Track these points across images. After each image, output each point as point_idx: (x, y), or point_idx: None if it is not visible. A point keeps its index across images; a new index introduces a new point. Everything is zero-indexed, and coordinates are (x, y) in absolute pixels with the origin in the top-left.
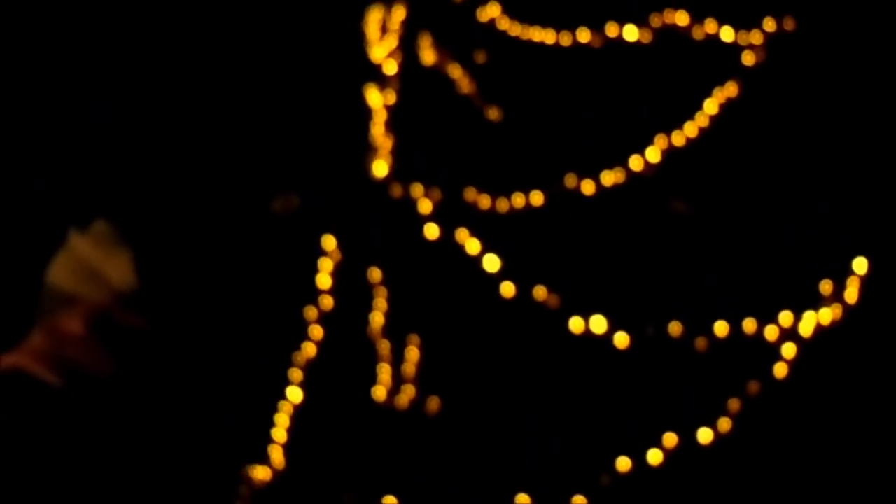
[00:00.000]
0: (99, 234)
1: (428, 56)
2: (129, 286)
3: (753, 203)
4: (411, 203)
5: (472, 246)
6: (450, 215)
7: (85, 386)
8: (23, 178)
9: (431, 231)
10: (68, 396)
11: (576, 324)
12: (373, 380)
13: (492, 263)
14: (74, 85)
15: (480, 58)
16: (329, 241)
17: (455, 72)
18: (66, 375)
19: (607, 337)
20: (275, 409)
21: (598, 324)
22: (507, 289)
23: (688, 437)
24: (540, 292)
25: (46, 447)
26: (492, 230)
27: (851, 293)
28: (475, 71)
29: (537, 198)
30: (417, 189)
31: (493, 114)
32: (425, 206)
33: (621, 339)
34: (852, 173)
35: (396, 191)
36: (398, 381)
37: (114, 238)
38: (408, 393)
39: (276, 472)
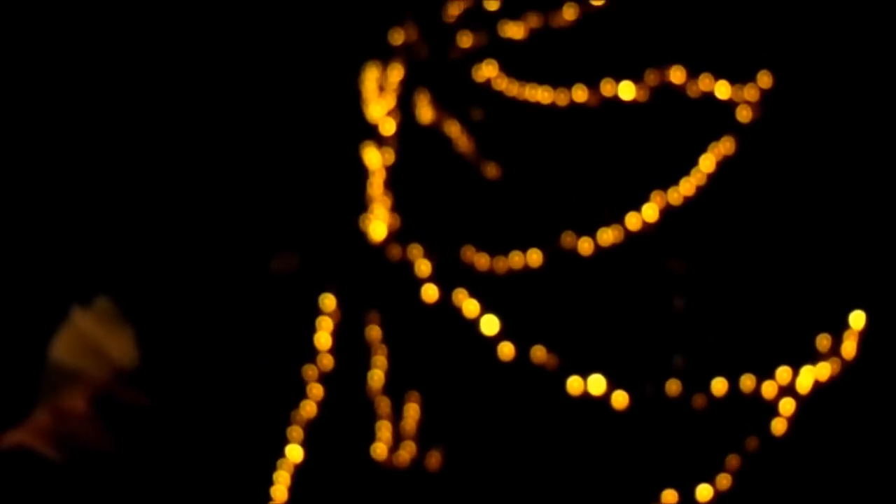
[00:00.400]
0: (101, 310)
1: (425, 114)
2: (131, 362)
3: (750, 259)
4: (409, 265)
5: (471, 307)
6: (448, 277)
7: (87, 462)
8: (27, 253)
9: (430, 293)
10: (71, 472)
11: (574, 384)
12: (373, 437)
13: (490, 325)
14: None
15: (477, 115)
16: (328, 301)
17: (453, 129)
18: (69, 452)
19: (606, 396)
20: (275, 468)
21: (597, 384)
22: (506, 350)
23: (687, 495)
24: (538, 353)
25: None
26: (490, 291)
27: (849, 347)
28: (472, 129)
29: (535, 257)
30: (416, 250)
31: (491, 171)
32: (423, 268)
33: (620, 399)
34: (848, 228)
35: (395, 252)
36: (398, 438)
37: (116, 314)
38: (408, 450)
39: None
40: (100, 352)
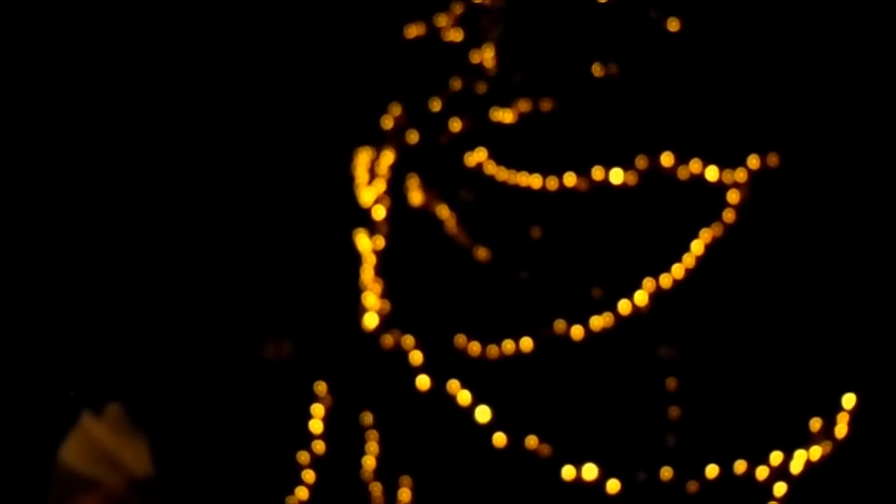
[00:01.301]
0: (114, 417)
1: (416, 197)
2: (145, 472)
3: (741, 343)
4: (402, 353)
5: (464, 397)
6: (441, 366)
7: None
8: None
9: (423, 382)
10: None
11: (568, 472)
12: None
13: (483, 414)
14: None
15: (466, 196)
16: (321, 387)
17: (443, 213)
18: None
19: (599, 483)
20: None
21: (590, 471)
22: (500, 439)
23: None
24: (532, 441)
25: None
26: (483, 378)
27: (841, 429)
28: (463, 214)
29: (527, 344)
30: (408, 341)
31: (482, 254)
32: (416, 358)
33: (613, 486)
34: (839, 310)
35: (388, 342)
36: None
37: (128, 422)
38: None
39: None
40: (113, 460)
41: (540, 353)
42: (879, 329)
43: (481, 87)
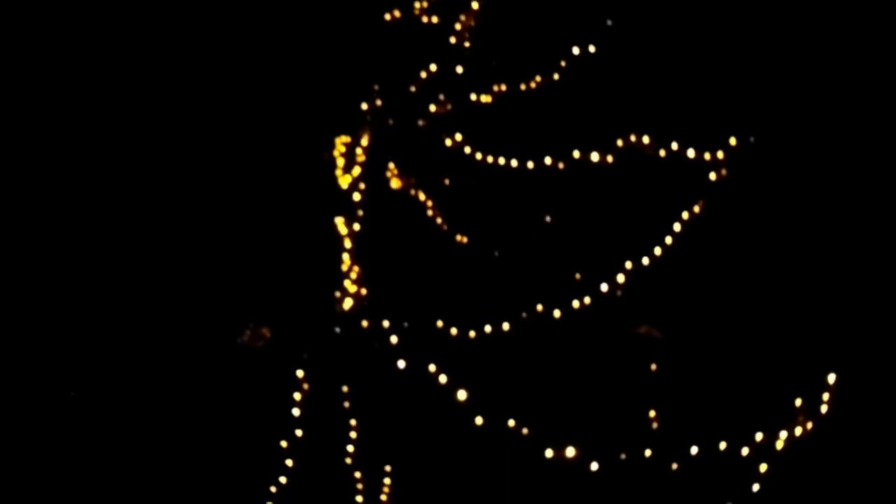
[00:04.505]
0: None
1: (395, 182)
2: None
3: (723, 322)
4: (381, 336)
5: (442, 378)
6: (419, 348)
7: None
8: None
9: (401, 364)
10: None
11: (548, 453)
12: None
13: (463, 396)
14: None
15: (446, 182)
16: (299, 374)
17: (421, 196)
18: None
19: (580, 464)
20: None
21: (571, 453)
22: (479, 419)
23: None
24: (511, 422)
25: None
26: (462, 361)
27: (824, 407)
28: (441, 195)
29: (506, 325)
30: (386, 322)
31: (460, 238)
32: (394, 340)
33: (594, 467)
34: (820, 288)
35: (366, 324)
36: None
37: None
38: None
39: None
40: None
41: (519, 334)
42: (861, 307)
43: (459, 71)
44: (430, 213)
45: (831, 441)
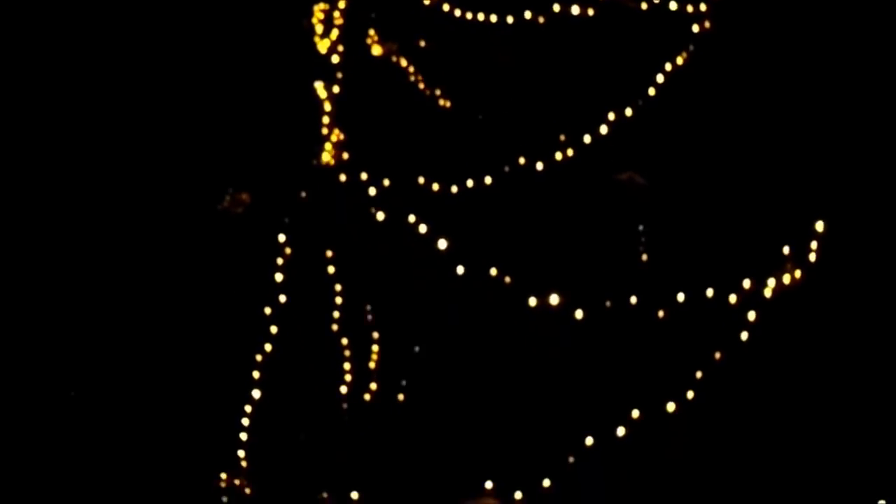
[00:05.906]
0: None
1: (375, 46)
2: None
3: (709, 172)
4: (360, 188)
5: (424, 229)
6: (400, 200)
7: None
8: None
9: (381, 215)
10: None
11: (532, 301)
12: (335, 374)
13: (444, 246)
14: None
15: (426, 44)
16: (281, 238)
17: (402, 60)
18: None
19: (565, 313)
20: (238, 410)
21: (555, 301)
22: (460, 269)
23: (653, 410)
24: (494, 272)
25: None
26: (442, 213)
27: (812, 255)
28: (422, 57)
29: (488, 179)
30: (366, 176)
31: (441, 99)
32: (373, 192)
33: (579, 315)
34: (806, 137)
35: (346, 179)
36: (360, 373)
37: None
38: (371, 385)
39: (245, 473)
40: None
41: (502, 187)
42: (851, 155)
43: None
44: (412, 78)
45: (820, 289)
